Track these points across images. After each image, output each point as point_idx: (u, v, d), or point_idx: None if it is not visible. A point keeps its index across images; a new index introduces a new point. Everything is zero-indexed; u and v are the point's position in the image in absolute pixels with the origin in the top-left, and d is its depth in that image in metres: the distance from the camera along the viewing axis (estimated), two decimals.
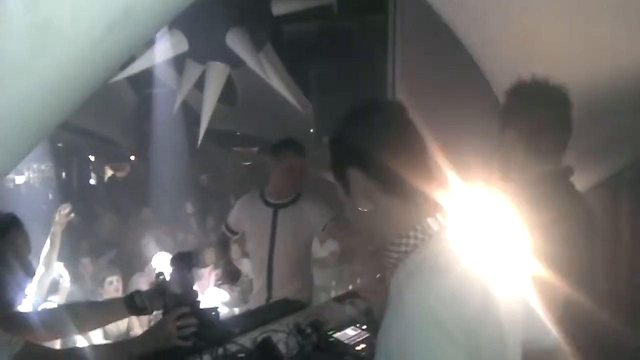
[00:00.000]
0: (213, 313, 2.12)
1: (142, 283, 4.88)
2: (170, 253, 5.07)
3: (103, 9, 1.12)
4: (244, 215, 3.58)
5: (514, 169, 1.88)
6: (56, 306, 3.63)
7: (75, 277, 5.24)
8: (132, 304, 2.04)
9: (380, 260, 1.24)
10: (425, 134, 1.22)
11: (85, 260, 5.78)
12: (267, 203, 3.50)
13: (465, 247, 1.17)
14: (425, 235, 1.17)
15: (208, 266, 2.26)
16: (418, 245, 1.16)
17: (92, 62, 1.22)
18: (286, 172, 3.42)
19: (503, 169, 1.92)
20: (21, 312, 1.96)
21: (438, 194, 1.21)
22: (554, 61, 2.07)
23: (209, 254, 2.12)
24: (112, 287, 4.93)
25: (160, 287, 2.08)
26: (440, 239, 1.17)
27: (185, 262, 2.09)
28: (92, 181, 12.54)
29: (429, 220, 1.18)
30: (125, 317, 2.07)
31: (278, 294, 3.32)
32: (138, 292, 2.09)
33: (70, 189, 11.34)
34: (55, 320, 1.99)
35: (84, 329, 2.10)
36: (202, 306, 2.10)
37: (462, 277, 1.11)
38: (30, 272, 1.86)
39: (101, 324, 2.31)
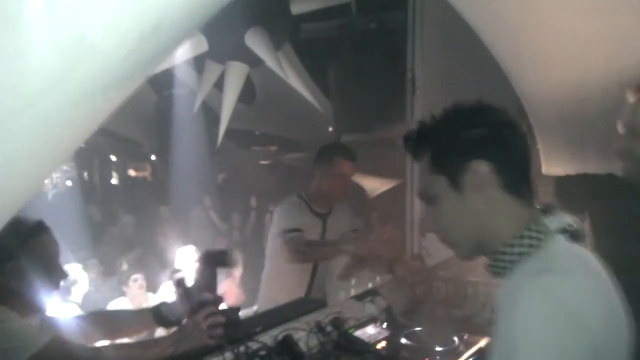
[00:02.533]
0: (239, 311, 2.13)
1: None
2: (192, 250, 5.16)
3: (134, 23, 1.14)
4: (294, 224, 3.15)
5: None
6: (84, 314, 3.70)
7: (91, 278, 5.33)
8: (159, 315, 2.05)
9: (486, 266, 1.17)
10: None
11: (94, 261, 5.85)
12: (315, 213, 3.30)
13: (577, 247, 1.13)
14: (542, 235, 1.10)
15: (236, 266, 2.27)
16: (534, 245, 1.10)
17: (123, 74, 1.24)
18: (337, 179, 3.23)
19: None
20: (51, 317, 1.98)
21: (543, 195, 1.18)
22: (576, 59, 2.05)
23: (237, 254, 2.13)
24: (137, 285, 4.99)
25: (183, 294, 2.08)
26: (558, 240, 1.11)
27: (213, 260, 2.10)
28: (114, 181, 12.67)
29: (543, 219, 1.13)
30: (153, 328, 2.08)
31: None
32: (165, 304, 2.09)
33: (93, 189, 11.48)
34: (83, 328, 2.01)
35: (111, 339, 2.11)
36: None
37: (592, 284, 1.07)
38: (60, 276, 1.91)
39: (129, 334, 2.32)
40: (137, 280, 5.01)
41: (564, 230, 1.12)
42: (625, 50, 2.03)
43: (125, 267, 5.81)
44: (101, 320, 2.13)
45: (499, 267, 1.14)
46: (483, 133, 1.15)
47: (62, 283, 1.98)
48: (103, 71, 1.17)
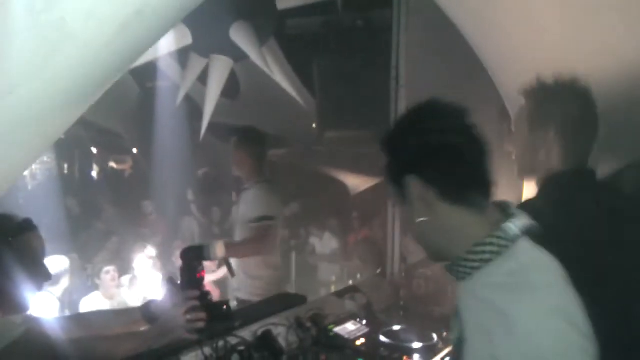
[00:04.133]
0: (224, 307, 2.11)
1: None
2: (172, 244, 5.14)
3: (115, 9, 1.12)
4: None
5: (545, 171, 1.80)
6: (72, 314, 3.67)
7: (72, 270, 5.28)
8: (148, 313, 2.02)
9: (449, 270, 1.17)
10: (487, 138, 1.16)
11: (74, 256, 5.81)
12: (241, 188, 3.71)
13: (541, 253, 1.14)
14: (505, 241, 1.09)
15: (218, 259, 2.25)
16: (495, 252, 1.09)
17: (104, 63, 1.22)
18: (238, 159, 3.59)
19: (531, 171, 1.85)
20: (37, 319, 1.95)
21: (505, 199, 1.18)
22: (560, 60, 2.06)
23: (219, 247, 2.11)
24: (109, 277, 4.95)
25: (171, 291, 2.06)
26: (523, 245, 1.11)
27: (195, 255, 2.08)
28: (94, 174, 12.55)
29: (505, 225, 1.10)
30: (143, 326, 2.06)
31: None
32: (154, 301, 2.07)
33: (73, 182, 11.35)
34: (71, 329, 1.98)
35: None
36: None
37: (563, 287, 1.09)
38: (44, 277, 1.89)
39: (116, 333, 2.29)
40: (109, 273, 4.96)
41: (524, 232, 1.12)
42: (607, 49, 2.05)
43: (97, 259, 5.78)
44: (88, 321, 2.11)
45: (459, 272, 1.14)
46: (415, 150, 1.16)
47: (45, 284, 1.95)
48: (84, 58, 1.16)
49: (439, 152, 1.13)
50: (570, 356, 1.00)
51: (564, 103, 1.77)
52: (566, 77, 1.74)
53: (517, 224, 1.11)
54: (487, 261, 1.09)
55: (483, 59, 2.74)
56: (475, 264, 1.10)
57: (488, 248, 1.09)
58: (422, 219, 1.17)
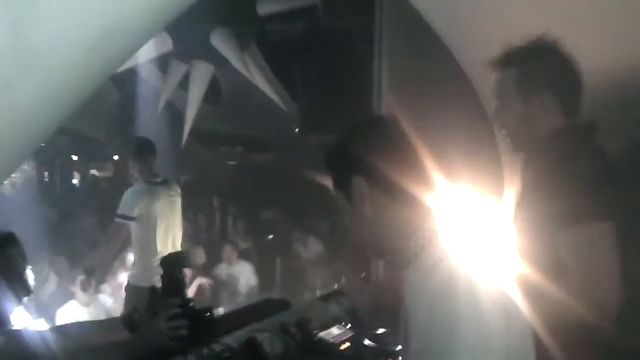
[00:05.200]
0: (207, 314, 2.10)
1: None
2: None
3: (84, 32, 1.11)
4: None
5: (544, 133, 1.76)
6: (53, 326, 3.63)
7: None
8: (131, 322, 2.00)
9: (391, 261, 1.29)
10: (417, 143, 1.27)
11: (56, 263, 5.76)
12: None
13: (459, 249, 1.22)
14: (429, 236, 1.23)
15: (198, 265, 2.24)
16: (425, 245, 1.22)
17: (73, 84, 1.21)
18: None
19: (530, 143, 1.80)
20: (17, 330, 1.92)
21: (429, 199, 1.26)
22: None
23: (199, 254, 2.10)
24: (81, 286, 4.96)
25: (153, 299, 2.04)
26: (437, 242, 1.23)
27: (176, 262, 2.07)
28: (75, 181, 12.41)
29: (427, 223, 1.24)
30: (125, 336, 2.04)
31: None
32: (136, 310, 2.05)
33: (53, 189, 11.23)
34: (52, 340, 1.96)
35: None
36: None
37: (469, 280, 1.16)
38: (26, 290, 1.87)
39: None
40: (81, 282, 4.97)
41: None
42: (593, 55, 2.08)
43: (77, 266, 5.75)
44: (69, 332, 2.09)
45: (402, 261, 1.25)
46: (360, 152, 1.26)
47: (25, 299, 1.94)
48: (52, 80, 1.14)
49: (382, 155, 1.24)
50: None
51: (550, 59, 1.73)
52: (535, 36, 1.72)
53: (436, 223, 1.24)
54: (415, 254, 1.22)
55: (462, 64, 2.76)
56: (411, 256, 1.22)
57: (412, 242, 1.22)
58: (367, 217, 1.27)
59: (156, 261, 3.97)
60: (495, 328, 1.09)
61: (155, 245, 4.38)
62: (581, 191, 1.57)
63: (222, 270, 6.59)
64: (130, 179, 4.64)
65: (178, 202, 4.65)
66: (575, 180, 1.59)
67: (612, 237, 1.57)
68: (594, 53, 1.93)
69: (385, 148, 1.26)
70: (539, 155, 1.77)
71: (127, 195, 4.47)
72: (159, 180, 4.55)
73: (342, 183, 1.31)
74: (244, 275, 6.60)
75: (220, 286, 6.47)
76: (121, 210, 4.41)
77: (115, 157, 11.16)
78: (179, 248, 4.54)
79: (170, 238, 4.52)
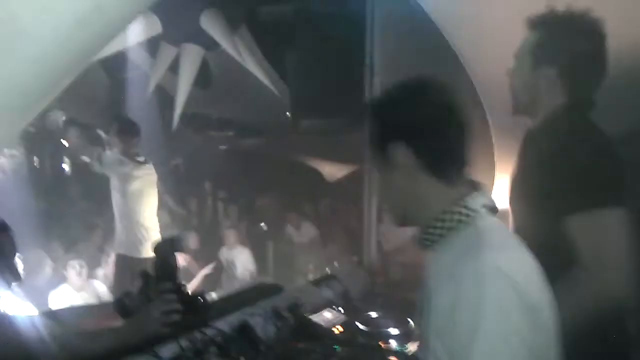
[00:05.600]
0: (200, 299, 2.09)
1: None
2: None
3: (71, 4, 1.09)
4: None
5: (545, 106, 1.74)
6: (44, 311, 3.61)
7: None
8: (123, 307, 1.98)
9: (418, 239, 1.25)
10: (467, 121, 1.23)
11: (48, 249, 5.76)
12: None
13: (498, 225, 1.21)
14: (469, 211, 1.18)
15: (191, 251, 2.24)
16: (463, 221, 1.18)
17: (61, 59, 1.18)
18: None
19: (527, 109, 1.79)
20: (7, 315, 1.91)
21: (475, 175, 1.24)
22: None
23: (192, 239, 2.09)
24: (74, 272, 4.96)
25: (145, 284, 2.03)
26: (484, 216, 1.19)
27: (168, 248, 2.06)
28: (66, 167, 12.32)
29: (469, 198, 1.20)
30: (117, 321, 2.02)
31: None
32: (128, 295, 2.03)
33: (43, 175, 11.14)
34: (43, 325, 1.94)
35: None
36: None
37: (522, 254, 1.17)
38: (16, 276, 1.85)
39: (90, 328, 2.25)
40: (74, 267, 4.97)
41: (487, 207, 1.20)
42: None
43: (62, 253, 5.74)
44: (60, 317, 2.07)
45: (428, 240, 1.22)
46: (407, 117, 1.21)
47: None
48: (39, 55, 1.12)
49: (432, 124, 1.20)
50: (508, 319, 1.04)
51: (572, 36, 1.68)
52: (579, 8, 1.65)
53: (480, 199, 1.20)
54: (451, 229, 1.18)
55: (456, 48, 2.75)
56: (443, 231, 1.18)
57: (456, 217, 1.17)
58: (399, 186, 1.24)
59: (140, 232, 4.81)
60: (519, 324, 1.05)
61: (138, 217, 4.88)
62: (589, 176, 1.56)
63: (222, 254, 6.61)
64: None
65: (155, 179, 5.11)
66: (581, 164, 1.57)
67: (624, 223, 1.55)
68: None
69: (436, 118, 1.20)
70: (539, 131, 1.75)
71: (112, 155, 4.97)
72: (141, 159, 4.98)
73: (383, 143, 1.25)
74: (240, 260, 6.62)
75: (220, 270, 6.50)
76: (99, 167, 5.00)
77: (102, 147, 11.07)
78: (156, 219, 5.07)
79: (150, 212, 5.02)
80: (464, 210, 1.18)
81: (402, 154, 1.21)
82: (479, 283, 1.06)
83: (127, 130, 4.94)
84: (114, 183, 4.89)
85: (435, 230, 1.20)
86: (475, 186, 1.24)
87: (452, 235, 1.18)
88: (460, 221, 1.18)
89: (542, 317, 1.10)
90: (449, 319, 1.08)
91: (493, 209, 1.22)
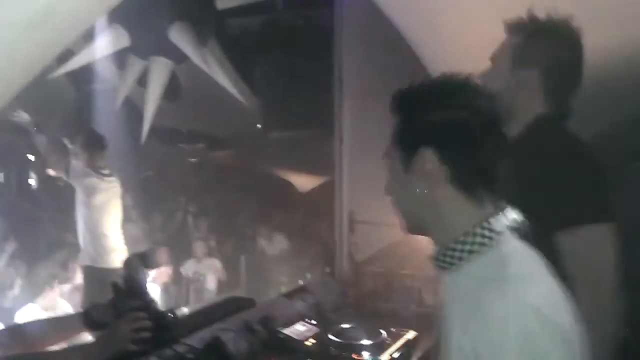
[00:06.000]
0: (170, 315, 2.06)
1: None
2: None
3: (20, 10, 1.07)
4: None
5: (522, 114, 1.71)
6: (5, 327, 3.53)
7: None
8: (90, 319, 1.94)
9: (435, 260, 1.13)
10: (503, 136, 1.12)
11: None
12: None
13: (524, 248, 1.10)
14: (493, 234, 1.07)
15: (161, 266, 2.21)
16: (486, 244, 1.06)
17: (9, 65, 1.16)
18: None
19: (506, 113, 1.67)
20: None
21: (499, 193, 1.13)
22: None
23: (162, 254, 2.07)
24: (52, 290, 4.91)
25: (115, 298, 1.99)
26: (508, 239, 1.08)
27: (138, 263, 2.03)
28: (32, 181, 12.07)
29: (494, 219, 1.08)
30: (84, 333, 1.97)
31: None
32: (96, 307, 1.99)
33: (9, 190, 10.90)
34: (4, 343, 1.89)
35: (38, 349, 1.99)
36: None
37: (550, 284, 1.06)
38: None
39: (56, 342, 2.19)
40: (52, 286, 4.93)
41: (511, 228, 1.10)
42: None
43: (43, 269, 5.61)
44: (24, 333, 2.01)
45: (446, 262, 1.10)
46: (441, 121, 1.09)
47: None
48: None
49: (468, 132, 1.07)
50: (533, 352, 0.96)
51: (553, 42, 1.69)
52: (558, 15, 1.65)
53: (505, 219, 1.10)
54: (472, 252, 1.07)
55: (421, 56, 2.78)
56: (464, 254, 1.07)
57: (478, 239, 1.06)
58: (419, 194, 1.12)
59: (105, 242, 4.91)
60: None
61: (102, 228, 4.97)
62: (573, 192, 1.56)
63: (189, 266, 6.55)
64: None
65: (119, 192, 5.20)
66: (566, 180, 1.57)
67: (612, 238, 1.56)
68: None
69: (475, 126, 1.06)
70: (517, 140, 1.71)
71: (77, 166, 4.99)
72: (106, 172, 5.08)
73: (409, 146, 1.12)
74: (211, 272, 6.58)
75: (187, 283, 6.44)
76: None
77: (70, 158, 10.88)
78: (120, 231, 5.15)
79: (114, 224, 5.11)
80: (487, 233, 1.06)
81: (430, 161, 1.08)
82: (508, 323, 0.96)
83: (93, 143, 5.03)
84: (79, 195, 4.93)
85: (454, 252, 1.08)
86: (499, 206, 1.13)
87: (474, 258, 1.07)
88: (483, 244, 1.06)
89: (573, 349, 1.01)
90: (472, 353, 0.98)
91: (516, 229, 1.12)
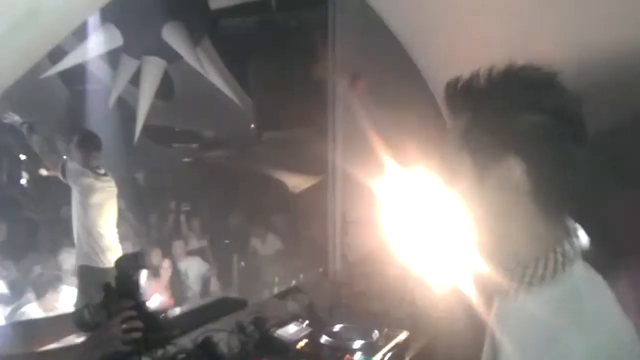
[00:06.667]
0: (162, 315, 2.06)
1: None
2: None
3: (6, 8, 1.06)
4: None
5: None
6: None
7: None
8: (81, 320, 1.93)
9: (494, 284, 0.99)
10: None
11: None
12: None
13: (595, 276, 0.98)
14: (567, 260, 0.94)
15: (154, 266, 2.20)
16: (558, 271, 0.93)
17: None
18: None
19: None
20: None
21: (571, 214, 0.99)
22: (487, 61, 2.10)
23: (155, 255, 2.07)
24: (55, 291, 4.88)
25: (109, 296, 1.99)
26: (579, 265, 0.95)
27: (130, 263, 2.02)
28: (23, 181, 12.02)
29: (567, 242, 0.95)
30: (73, 333, 1.96)
31: None
32: (88, 307, 1.98)
33: (1, 189, 10.85)
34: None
35: (29, 349, 1.98)
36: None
37: (614, 315, 0.94)
38: None
39: (48, 342, 2.17)
40: (54, 287, 4.89)
41: (582, 253, 0.97)
42: (527, 54, 2.12)
43: (37, 270, 5.60)
44: (14, 333, 2.00)
45: (508, 286, 0.97)
46: (531, 126, 0.91)
47: None
48: None
49: (559, 139, 0.91)
50: None
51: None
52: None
53: (578, 244, 0.97)
54: (542, 278, 0.93)
55: (415, 59, 2.79)
56: (534, 280, 0.94)
57: (551, 264, 0.93)
58: (495, 205, 0.96)
59: (101, 242, 4.86)
60: None
61: (98, 228, 4.91)
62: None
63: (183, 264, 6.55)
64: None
65: (115, 192, 5.14)
66: None
67: None
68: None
69: (566, 135, 0.91)
70: None
71: (73, 166, 4.92)
72: (102, 172, 5.02)
73: (492, 154, 0.94)
74: (192, 269, 6.60)
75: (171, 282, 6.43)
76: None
77: (65, 157, 10.85)
78: (116, 230, 5.09)
79: (110, 224, 5.05)
80: (560, 258, 0.93)
81: (516, 171, 0.92)
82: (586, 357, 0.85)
83: (88, 142, 4.98)
84: (75, 195, 4.91)
85: (523, 278, 0.94)
86: (571, 227, 0.99)
87: (545, 285, 0.93)
88: (555, 271, 0.93)
89: None
90: None
91: (585, 253, 0.98)
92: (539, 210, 0.94)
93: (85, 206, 4.88)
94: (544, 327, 0.90)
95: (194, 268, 6.64)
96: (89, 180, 4.88)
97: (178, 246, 6.83)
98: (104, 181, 5.00)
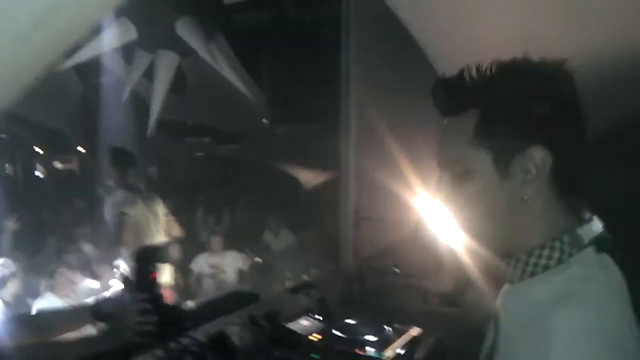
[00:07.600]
0: (176, 309, 2.07)
1: None
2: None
3: (27, 5, 1.06)
4: None
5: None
6: (14, 317, 3.55)
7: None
8: (99, 311, 1.95)
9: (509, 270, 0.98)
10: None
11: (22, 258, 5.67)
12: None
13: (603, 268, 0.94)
14: (573, 248, 0.92)
15: (172, 261, 2.21)
16: (563, 260, 0.92)
17: (19, 60, 1.16)
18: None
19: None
20: None
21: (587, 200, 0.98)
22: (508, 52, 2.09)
23: (173, 249, 2.07)
24: (63, 278, 4.89)
25: (124, 291, 2.00)
26: (585, 255, 0.93)
27: (149, 256, 2.03)
28: (39, 174, 12.15)
29: (580, 228, 0.94)
30: (92, 325, 1.98)
31: None
32: (106, 299, 1.99)
33: (16, 182, 10.96)
34: (13, 333, 1.90)
35: (47, 339, 2.01)
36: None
37: (618, 309, 0.90)
38: None
39: (65, 332, 2.21)
40: (63, 274, 4.90)
41: (594, 240, 0.94)
42: (542, 47, 2.10)
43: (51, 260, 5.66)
44: (33, 324, 2.03)
45: (513, 273, 0.97)
46: (552, 112, 0.91)
47: None
48: None
49: (577, 125, 0.93)
50: None
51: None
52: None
53: (588, 232, 0.95)
54: (546, 268, 0.93)
55: (428, 53, 2.77)
56: (538, 269, 0.94)
57: (555, 254, 0.92)
58: (522, 201, 0.93)
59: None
60: None
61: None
62: None
63: (203, 260, 6.55)
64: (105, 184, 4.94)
65: (159, 209, 4.84)
66: None
67: None
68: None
69: (584, 116, 0.92)
70: None
71: (110, 204, 4.65)
72: (138, 188, 4.82)
73: (514, 145, 0.92)
74: (231, 265, 6.60)
75: (202, 277, 6.46)
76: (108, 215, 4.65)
77: (80, 149, 10.95)
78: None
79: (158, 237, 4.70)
80: (566, 248, 0.92)
81: (539, 161, 0.91)
82: (575, 344, 0.83)
83: (121, 160, 4.75)
84: (118, 218, 4.59)
85: (527, 267, 0.94)
86: (580, 213, 0.98)
87: (551, 273, 0.92)
88: (561, 260, 0.92)
89: None
90: None
91: (602, 240, 0.95)
92: (556, 198, 0.94)
93: (127, 227, 4.55)
94: (537, 312, 0.88)
95: (232, 263, 6.65)
96: (133, 200, 4.62)
97: (216, 240, 6.78)
98: (145, 198, 4.77)
